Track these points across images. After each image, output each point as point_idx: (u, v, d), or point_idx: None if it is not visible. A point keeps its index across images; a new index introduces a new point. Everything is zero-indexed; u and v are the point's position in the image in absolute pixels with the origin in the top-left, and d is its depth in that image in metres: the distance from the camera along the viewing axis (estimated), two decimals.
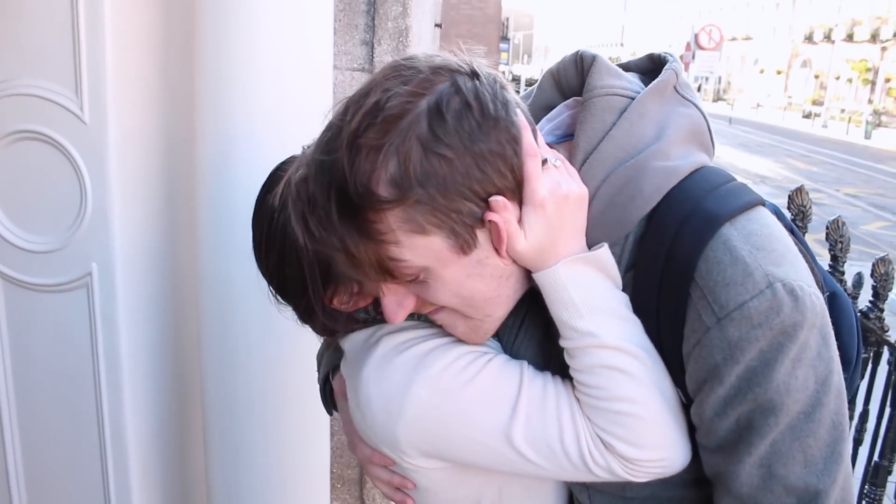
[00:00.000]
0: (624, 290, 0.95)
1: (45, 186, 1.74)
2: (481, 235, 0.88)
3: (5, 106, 1.69)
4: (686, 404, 0.95)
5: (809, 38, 47.78)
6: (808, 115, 40.50)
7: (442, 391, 0.97)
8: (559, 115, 1.03)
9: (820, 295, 0.89)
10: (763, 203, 0.97)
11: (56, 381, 1.87)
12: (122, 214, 1.75)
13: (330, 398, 1.30)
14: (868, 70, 42.39)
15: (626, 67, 1.07)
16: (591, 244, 0.94)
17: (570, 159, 0.95)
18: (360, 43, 2.23)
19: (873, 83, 42.50)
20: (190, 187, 1.86)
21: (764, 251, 0.88)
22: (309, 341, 1.52)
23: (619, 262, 0.94)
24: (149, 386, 1.91)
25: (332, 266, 0.95)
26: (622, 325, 0.93)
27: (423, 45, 2.51)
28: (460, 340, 1.01)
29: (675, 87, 0.99)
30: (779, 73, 51.12)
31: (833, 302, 1.12)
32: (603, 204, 0.93)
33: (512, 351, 1.07)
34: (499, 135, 0.84)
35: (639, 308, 0.94)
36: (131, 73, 1.71)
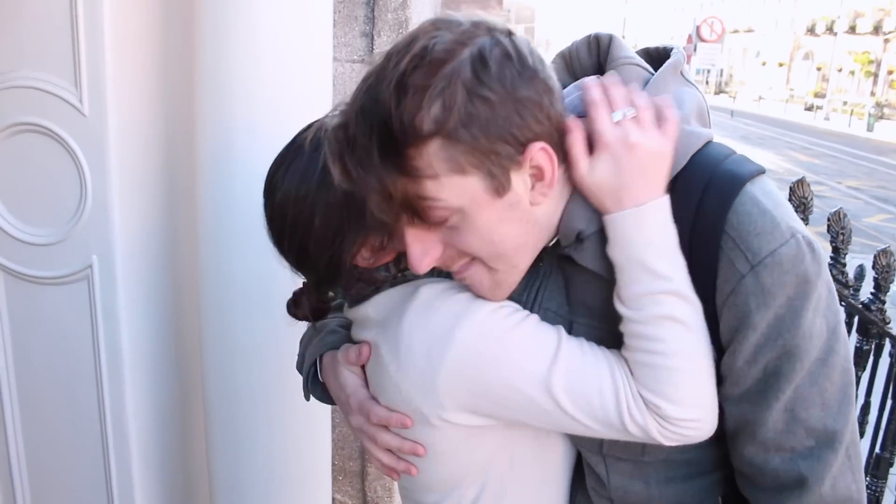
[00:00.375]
0: None
1: (45, 179, 1.73)
2: (515, 178, 0.92)
3: (4, 98, 1.68)
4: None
5: (812, 31, 47.64)
6: (810, 108, 40.44)
7: (485, 336, 0.99)
8: (570, 94, 1.05)
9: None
10: (764, 171, 1.03)
11: (57, 374, 1.87)
12: (123, 207, 1.74)
13: (312, 384, 1.31)
14: (870, 62, 42.27)
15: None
16: None
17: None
18: (360, 35, 2.22)
19: (876, 75, 42.39)
20: (190, 179, 1.85)
21: (782, 207, 0.96)
22: None
23: None
24: (150, 378, 1.91)
25: (362, 214, 0.98)
26: (687, 276, 0.96)
27: None
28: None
29: (681, 72, 1.06)
30: (781, 65, 50.99)
31: None
32: None
33: None
34: (537, 85, 0.90)
35: None
36: (131, 66, 1.71)
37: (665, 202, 0.96)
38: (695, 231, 0.96)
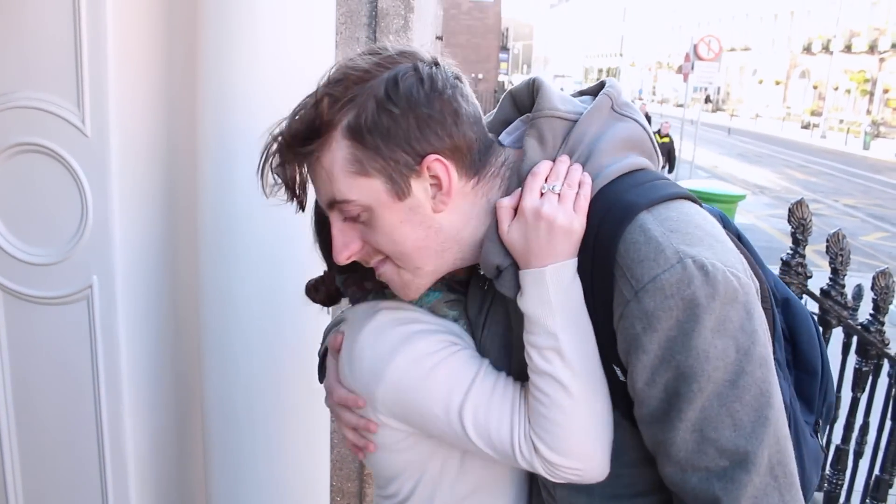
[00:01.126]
0: None
1: (46, 199, 1.74)
2: (416, 185, 1.05)
3: (7, 118, 1.69)
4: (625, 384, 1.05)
5: (808, 49, 47.94)
6: (806, 126, 40.63)
7: (417, 367, 1.14)
8: (517, 129, 1.17)
9: (741, 274, 0.99)
10: (690, 198, 1.08)
11: (56, 394, 1.87)
12: (123, 227, 1.75)
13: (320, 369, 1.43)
14: (866, 81, 42.51)
15: (584, 92, 1.22)
16: None
17: (517, 170, 1.10)
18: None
19: (871, 94, 42.62)
20: (191, 200, 1.86)
21: (678, 233, 0.99)
22: (310, 354, 1.52)
23: None
24: (149, 399, 1.90)
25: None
26: (580, 339, 1.06)
27: None
28: (434, 329, 1.19)
29: (612, 108, 1.12)
30: (777, 83, 51.26)
31: (788, 309, 1.26)
32: None
33: (480, 344, 1.21)
34: (443, 107, 1.03)
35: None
36: (133, 87, 1.72)
37: (568, 266, 1.05)
38: (594, 261, 1.03)
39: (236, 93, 1.71)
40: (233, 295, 1.76)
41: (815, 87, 47.26)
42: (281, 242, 1.75)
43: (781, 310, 1.24)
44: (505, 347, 1.18)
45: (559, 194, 1.05)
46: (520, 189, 1.07)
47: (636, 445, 1.08)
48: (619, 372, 1.05)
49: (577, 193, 1.05)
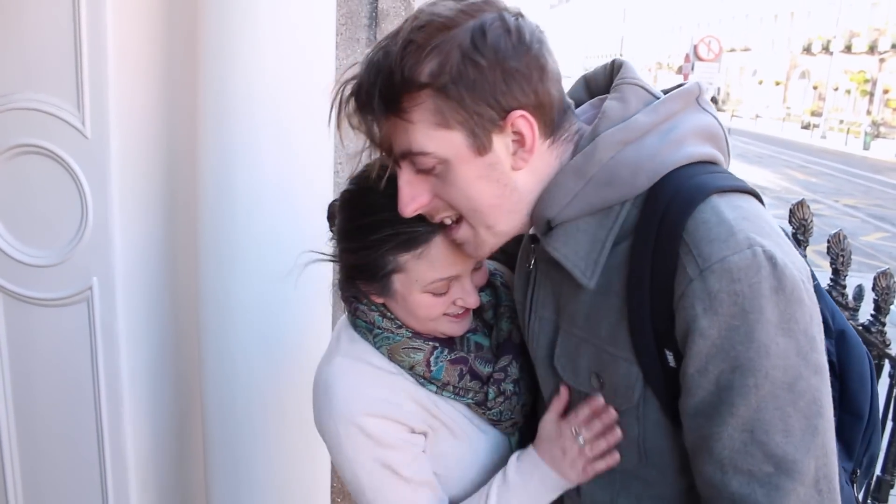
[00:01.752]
0: (618, 261, 1.03)
1: (46, 200, 1.74)
2: (497, 141, 1.01)
3: (7, 120, 1.69)
4: (676, 371, 1.02)
5: (808, 50, 47.94)
6: (806, 126, 40.59)
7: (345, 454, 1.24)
8: (585, 112, 1.14)
9: (806, 279, 0.97)
10: (758, 197, 1.06)
11: (56, 395, 1.87)
12: (123, 229, 1.75)
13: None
14: (866, 81, 42.50)
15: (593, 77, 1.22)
16: (591, 207, 1.04)
17: (594, 127, 1.05)
18: (362, 57, 2.24)
19: (871, 94, 42.61)
20: (192, 202, 1.86)
21: (750, 222, 0.96)
22: (309, 355, 1.51)
23: (612, 228, 1.03)
24: (149, 400, 1.90)
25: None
26: None
27: None
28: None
29: (696, 99, 1.10)
30: (777, 84, 51.25)
31: (842, 342, 1.22)
32: (609, 174, 1.02)
33: (529, 329, 1.20)
34: (528, 61, 0.99)
35: (635, 274, 1.01)
36: (133, 88, 1.72)
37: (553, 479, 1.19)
38: (658, 238, 0.99)
39: (237, 95, 1.71)
40: (232, 296, 1.76)
41: (815, 88, 47.26)
42: (280, 244, 1.75)
43: (835, 342, 1.20)
44: (553, 332, 1.15)
45: (581, 448, 1.14)
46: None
47: (670, 448, 1.06)
48: (670, 357, 1.00)
49: (598, 441, 1.12)
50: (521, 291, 1.23)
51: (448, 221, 1.10)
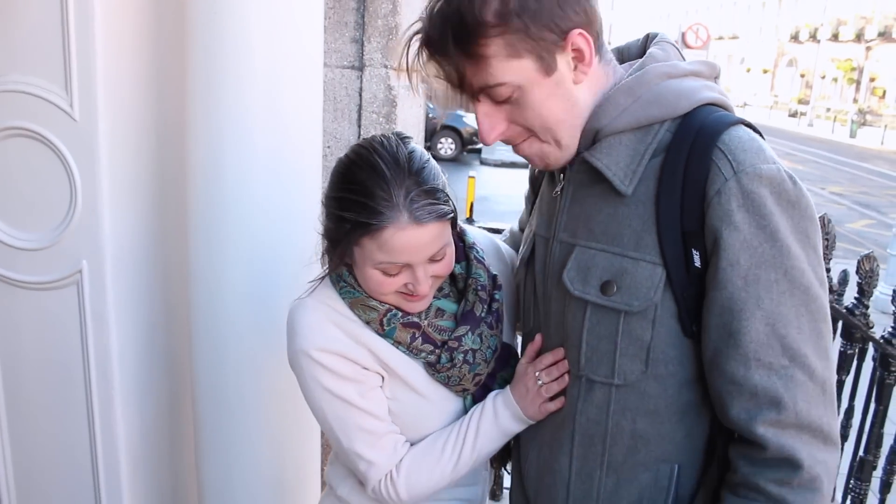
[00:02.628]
0: (649, 174, 1.16)
1: (35, 184, 1.73)
2: (560, 60, 1.13)
3: None
4: (699, 273, 1.12)
5: (795, 38, 48.03)
6: (794, 114, 40.76)
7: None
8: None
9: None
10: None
11: (46, 379, 1.87)
12: (112, 212, 1.74)
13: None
14: (853, 69, 42.65)
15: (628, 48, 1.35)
16: (636, 121, 1.16)
17: (642, 62, 1.20)
18: (350, 41, 2.23)
19: (858, 82, 42.78)
20: (181, 184, 1.86)
21: (771, 151, 1.10)
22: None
23: (651, 143, 1.16)
24: (139, 383, 1.91)
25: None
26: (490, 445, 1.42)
27: None
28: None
29: (715, 78, 1.24)
30: (765, 71, 51.37)
31: None
32: (655, 95, 1.15)
33: (550, 255, 1.32)
34: None
35: (666, 181, 1.13)
36: (122, 71, 1.71)
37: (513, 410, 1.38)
38: (692, 149, 1.10)
39: (224, 77, 1.71)
40: (223, 279, 1.76)
41: (802, 76, 47.40)
42: (271, 226, 1.75)
43: None
44: (569, 252, 1.25)
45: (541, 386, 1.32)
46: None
47: (675, 358, 1.17)
48: (696, 257, 1.11)
49: (552, 384, 1.30)
50: (544, 225, 1.34)
51: (516, 141, 1.23)
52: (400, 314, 1.35)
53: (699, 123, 1.12)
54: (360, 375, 1.35)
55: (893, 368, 2.30)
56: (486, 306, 1.41)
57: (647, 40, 1.29)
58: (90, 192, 1.71)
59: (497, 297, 1.44)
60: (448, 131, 17.24)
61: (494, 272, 1.48)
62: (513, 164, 16.43)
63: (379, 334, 1.36)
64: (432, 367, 1.37)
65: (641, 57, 1.24)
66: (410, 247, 1.25)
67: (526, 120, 1.18)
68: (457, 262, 1.42)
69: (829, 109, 40.14)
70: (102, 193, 1.72)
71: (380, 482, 1.38)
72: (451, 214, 1.30)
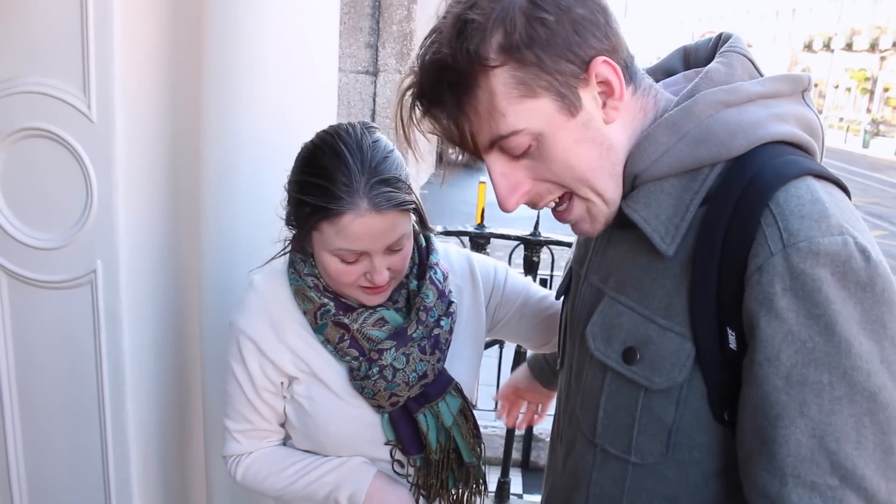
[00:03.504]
0: (692, 224, 0.96)
1: (51, 184, 1.75)
2: (585, 96, 0.95)
3: (14, 103, 1.70)
4: (735, 356, 0.92)
5: (809, 47, 47.83)
6: None
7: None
8: (676, 83, 1.08)
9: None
10: (849, 195, 0.97)
11: (59, 378, 1.88)
12: (128, 212, 1.76)
13: None
14: (867, 79, 42.44)
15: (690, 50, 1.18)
16: (681, 165, 0.96)
17: (694, 86, 0.99)
18: (365, 46, 2.25)
19: (872, 92, 42.56)
20: (195, 186, 1.87)
21: (843, 211, 0.88)
22: None
23: (698, 191, 0.96)
24: (151, 383, 1.92)
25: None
26: None
27: None
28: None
29: (803, 92, 1.03)
30: None
31: None
32: (705, 131, 0.95)
33: (579, 297, 1.17)
34: (591, 5, 0.94)
35: (705, 240, 0.93)
36: (139, 74, 1.73)
37: None
38: (739, 205, 0.90)
39: (240, 80, 1.73)
40: (235, 280, 1.78)
41: (815, 85, 46.84)
42: (281, 227, 1.77)
43: None
44: (597, 299, 1.10)
45: None
46: None
47: (701, 445, 0.98)
48: (732, 337, 0.92)
49: None
50: (578, 260, 1.20)
51: (552, 205, 1.04)
52: (332, 311, 1.37)
53: (754, 170, 0.91)
54: (264, 375, 1.43)
55: None
56: (424, 328, 1.39)
57: (719, 43, 1.08)
58: (106, 193, 1.73)
59: (443, 323, 1.42)
60: None
61: (454, 299, 1.46)
62: None
63: (312, 328, 1.40)
64: (352, 374, 1.39)
65: (707, 60, 1.05)
66: (368, 234, 1.26)
67: (554, 174, 0.98)
68: (417, 278, 1.43)
69: (842, 119, 39.93)
70: (118, 194, 1.73)
71: (230, 457, 1.53)
72: (412, 205, 1.30)
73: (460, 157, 1.03)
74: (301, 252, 1.43)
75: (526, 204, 1.03)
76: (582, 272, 1.17)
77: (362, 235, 1.26)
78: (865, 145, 31.02)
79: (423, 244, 1.49)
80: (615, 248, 1.08)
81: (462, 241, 3.40)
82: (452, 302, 1.45)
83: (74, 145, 1.70)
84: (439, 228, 3.40)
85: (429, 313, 1.40)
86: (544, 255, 3.41)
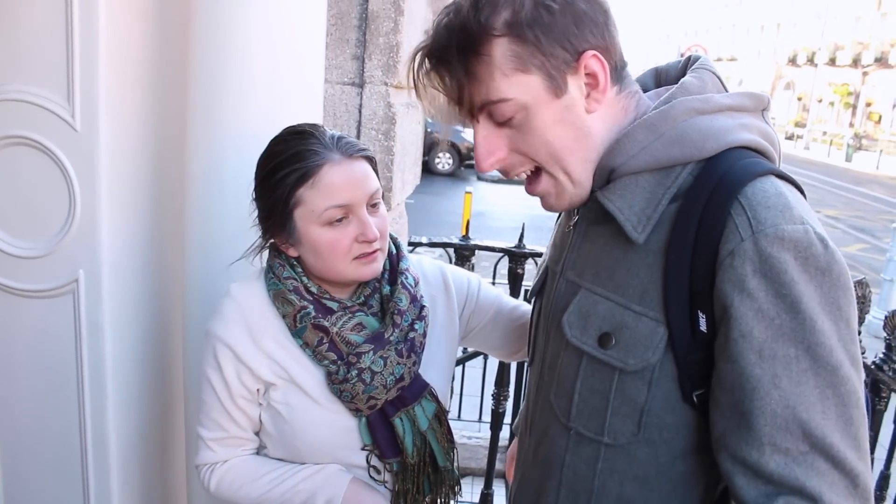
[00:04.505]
0: (663, 220, 1.05)
1: (34, 192, 1.74)
2: (571, 83, 1.06)
3: None
4: (705, 338, 1.01)
5: (793, 61, 48.32)
6: (790, 137, 40.96)
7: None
8: (651, 99, 1.17)
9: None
10: (805, 198, 1.07)
11: (39, 387, 1.87)
12: (111, 222, 1.75)
13: None
14: (849, 94, 42.89)
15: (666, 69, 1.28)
16: (656, 162, 1.06)
17: (671, 94, 1.09)
18: (351, 57, 2.25)
19: (854, 107, 43.01)
20: (179, 196, 1.87)
21: (802, 207, 0.99)
22: None
23: (670, 187, 1.05)
24: (132, 392, 1.91)
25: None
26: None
27: None
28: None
29: (763, 110, 1.13)
30: None
31: None
32: (680, 133, 1.05)
33: (555, 292, 1.24)
34: (594, 5, 1.05)
35: (678, 231, 1.02)
36: (124, 82, 1.72)
37: None
38: (710, 199, 0.99)
39: (226, 90, 1.72)
40: (218, 290, 1.77)
41: (799, 99, 47.65)
42: None
43: None
44: (573, 293, 1.18)
45: None
46: None
47: (670, 425, 1.06)
48: (702, 320, 1.00)
49: None
50: (554, 259, 1.28)
51: (525, 174, 1.15)
52: (312, 313, 1.38)
53: (724, 170, 1.00)
54: (240, 382, 1.43)
55: (884, 394, 2.31)
56: (399, 332, 1.42)
57: (688, 63, 1.19)
58: (89, 202, 1.72)
59: (417, 327, 1.45)
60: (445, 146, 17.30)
61: (426, 303, 1.50)
62: (510, 180, 16.48)
63: (291, 331, 1.40)
64: (330, 378, 1.39)
65: (676, 80, 1.16)
66: (348, 182, 1.33)
67: (531, 147, 1.09)
68: (389, 283, 1.48)
69: (825, 133, 40.37)
70: (101, 203, 1.72)
71: (204, 465, 1.52)
72: (374, 159, 1.42)
73: (445, 137, 1.15)
74: (279, 257, 1.45)
75: (499, 171, 1.14)
76: (558, 269, 1.24)
77: (343, 185, 1.32)
78: (848, 159, 31.36)
79: (394, 251, 1.53)
80: (591, 244, 1.16)
81: (447, 253, 3.40)
82: (424, 306, 1.48)
83: (58, 154, 1.70)
84: (424, 240, 3.40)
85: (403, 317, 1.43)
86: (529, 266, 3.41)
